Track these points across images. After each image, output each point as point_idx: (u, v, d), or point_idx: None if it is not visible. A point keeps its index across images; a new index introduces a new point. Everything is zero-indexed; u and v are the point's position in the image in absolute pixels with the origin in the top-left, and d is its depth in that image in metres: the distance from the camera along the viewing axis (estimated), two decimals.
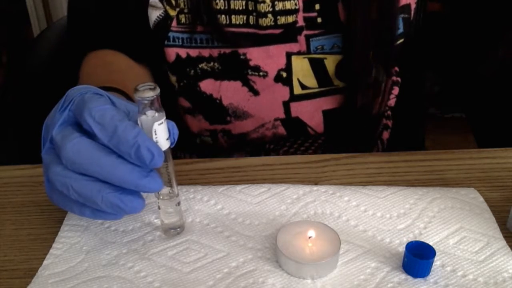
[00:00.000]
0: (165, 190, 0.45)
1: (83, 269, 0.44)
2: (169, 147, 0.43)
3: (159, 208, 0.46)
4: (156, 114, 0.41)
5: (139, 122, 0.42)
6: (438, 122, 1.68)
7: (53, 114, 0.45)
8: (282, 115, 0.69)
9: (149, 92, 0.41)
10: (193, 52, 0.66)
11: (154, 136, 0.42)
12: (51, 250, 0.46)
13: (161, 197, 0.45)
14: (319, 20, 0.64)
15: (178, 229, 0.48)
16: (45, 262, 0.45)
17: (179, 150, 0.76)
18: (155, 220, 0.49)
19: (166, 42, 0.66)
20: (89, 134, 0.42)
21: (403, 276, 0.43)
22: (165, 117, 0.42)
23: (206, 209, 0.50)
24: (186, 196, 0.52)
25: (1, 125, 0.81)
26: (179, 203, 0.46)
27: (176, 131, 0.44)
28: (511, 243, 0.46)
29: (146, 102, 0.41)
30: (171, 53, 0.66)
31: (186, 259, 0.45)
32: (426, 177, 0.55)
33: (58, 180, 0.42)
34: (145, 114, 0.41)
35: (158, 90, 0.41)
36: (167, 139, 0.43)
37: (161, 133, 0.42)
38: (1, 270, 0.45)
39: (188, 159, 0.74)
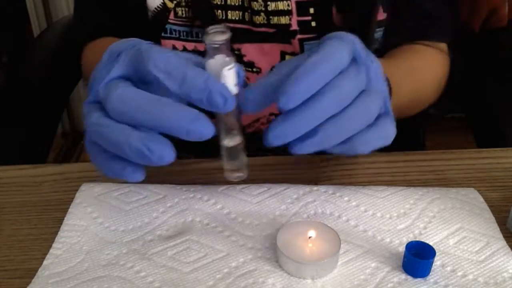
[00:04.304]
0: (233, 138, 0.44)
1: (83, 269, 0.44)
2: (238, 93, 0.42)
3: (222, 155, 0.45)
4: (226, 59, 0.40)
5: (207, 66, 0.40)
6: (438, 122, 1.68)
7: (98, 69, 0.43)
8: (276, 110, 0.69)
9: (219, 36, 0.39)
10: (189, 46, 0.66)
11: (222, 82, 0.40)
12: (51, 250, 0.46)
13: (225, 143, 0.44)
14: (313, 24, 0.64)
15: (241, 174, 0.46)
16: (45, 262, 0.45)
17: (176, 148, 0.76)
18: (155, 219, 0.49)
19: (163, 34, 0.66)
20: (147, 86, 0.41)
21: (403, 276, 0.43)
22: (234, 62, 0.40)
23: (206, 209, 0.50)
24: (186, 195, 0.52)
25: (1, 125, 0.81)
26: (243, 148, 0.45)
27: (243, 74, 0.43)
28: (511, 243, 0.46)
29: (216, 46, 0.39)
30: (168, 45, 0.66)
31: (186, 259, 0.45)
32: (426, 177, 0.55)
33: (92, 129, 0.41)
34: (213, 58, 0.40)
35: (229, 34, 0.40)
36: (235, 84, 0.41)
37: (230, 78, 0.40)
38: (1, 270, 0.45)
39: (188, 159, 0.74)
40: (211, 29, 0.40)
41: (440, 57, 0.69)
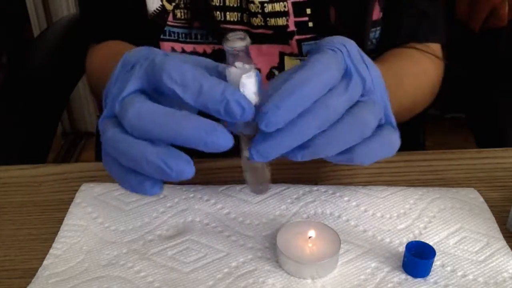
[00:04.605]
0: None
1: (83, 269, 0.44)
2: (258, 102, 0.41)
3: (243, 167, 0.44)
4: (246, 66, 0.39)
5: (227, 73, 0.40)
6: (438, 122, 1.68)
7: (112, 82, 0.43)
8: None
9: (239, 42, 0.39)
10: (188, 48, 0.66)
11: (241, 90, 0.39)
12: (51, 250, 0.46)
13: (246, 155, 0.42)
14: (310, 24, 0.64)
15: (262, 187, 0.45)
16: (45, 262, 0.45)
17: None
18: (155, 219, 0.49)
19: (162, 36, 0.66)
20: (163, 97, 0.41)
21: (403, 276, 0.43)
22: (254, 69, 0.40)
23: (206, 209, 0.50)
24: (186, 195, 0.52)
25: (1, 125, 0.81)
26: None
27: (261, 81, 0.41)
28: (511, 243, 0.46)
29: (235, 52, 0.39)
30: (167, 47, 0.66)
31: (186, 259, 0.45)
32: (426, 177, 0.55)
33: (109, 145, 0.40)
34: (233, 65, 0.39)
35: (248, 40, 0.39)
36: (255, 92, 0.40)
37: (249, 86, 0.40)
38: (1, 270, 0.46)
39: None
40: (231, 35, 0.39)
41: (433, 61, 0.69)
